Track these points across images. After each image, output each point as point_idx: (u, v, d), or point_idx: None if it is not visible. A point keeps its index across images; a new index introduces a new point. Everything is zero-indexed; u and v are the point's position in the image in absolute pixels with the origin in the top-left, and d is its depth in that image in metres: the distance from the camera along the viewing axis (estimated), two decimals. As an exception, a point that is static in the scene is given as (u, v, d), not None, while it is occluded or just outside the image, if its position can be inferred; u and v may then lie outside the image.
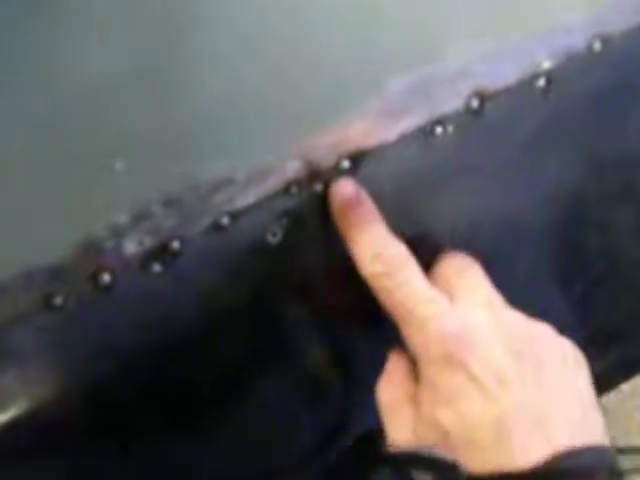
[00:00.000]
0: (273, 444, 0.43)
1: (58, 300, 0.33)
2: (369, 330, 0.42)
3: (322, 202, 0.36)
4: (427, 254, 0.41)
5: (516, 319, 0.36)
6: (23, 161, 0.32)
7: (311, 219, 0.36)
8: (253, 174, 0.34)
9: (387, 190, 0.37)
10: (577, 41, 0.38)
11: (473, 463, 0.33)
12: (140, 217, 0.33)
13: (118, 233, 0.33)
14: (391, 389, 0.37)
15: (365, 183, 0.36)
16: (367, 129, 0.36)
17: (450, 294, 0.36)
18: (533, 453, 0.33)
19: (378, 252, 0.36)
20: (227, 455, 0.42)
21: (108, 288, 0.33)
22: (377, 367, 0.45)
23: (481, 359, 0.34)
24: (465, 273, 0.37)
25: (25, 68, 0.32)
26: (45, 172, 0.32)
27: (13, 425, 0.35)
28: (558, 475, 0.32)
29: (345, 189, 0.36)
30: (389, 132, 0.36)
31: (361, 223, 0.36)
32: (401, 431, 0.36)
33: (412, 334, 0.35)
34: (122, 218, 0.33)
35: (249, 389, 0.40)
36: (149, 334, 0.35)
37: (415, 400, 0.36)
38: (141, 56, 0.33)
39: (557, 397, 0.34)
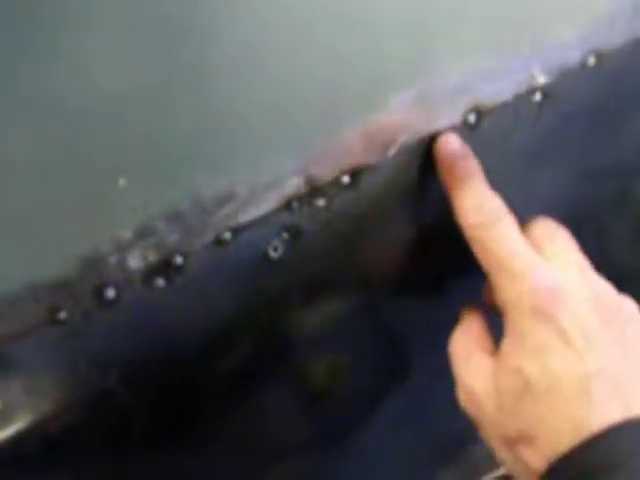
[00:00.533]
0: (281, 456, 0.44)
1: (63, 314, 0.33)
2: (369, 340, 0.42)
3: (323, 216, 0.36)
4: (422, 264, 0.42)
5: (606, 286, 0.37)
6: (28, 176, 0.32)
7: (312, 234, 0.36)
8: (255, 190, 0.34)
9: (386, 205, 0.37)
10: (572, 57, 0.39)
11: (551, 414, 0.34)
12: (144, 232, 0.33)
13: (122, 248, 0.33)
14: (467, 339, 0.38)
15: (364, 198, 0.37)
16: (366, 144, 0.36)
17: (542, 255, 0.37)
18: (609, 415, 0.33)
19: (479, 204, 0.37)
20: (233, 464, 0.43)
21: (112, 302, 0.34)
22: (379, 372, 0.45)
23: (571, 315, 0.35)
24: (557, 237, 0.38)
25: (28, 83, 0.33)
26: (49, 188, 0.32)
27: (19, 437, 0.35)
28: (627, 440, 0.33)
29: (451, 143, 0.37)
30: (388, 147, 0.37)
31: (464, 176, 0.37)
32: (478, 379, 0.37)
33: (504, 285, 0.36)
34: (126, 233, 0.33)
35: (253, 401, 0.40)
36: (153, 348, 0.36)
37: (492, 351, 0.37)
38: (142, 74, 0.34)
39: (637, 368, 0.35)
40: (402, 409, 0.48)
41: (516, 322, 0.36)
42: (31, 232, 0.33)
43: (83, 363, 0.35)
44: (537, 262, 0.36)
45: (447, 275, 0.43)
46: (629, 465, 0.32)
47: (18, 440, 0.35)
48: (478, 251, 0.37)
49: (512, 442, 0.36)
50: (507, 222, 0.37)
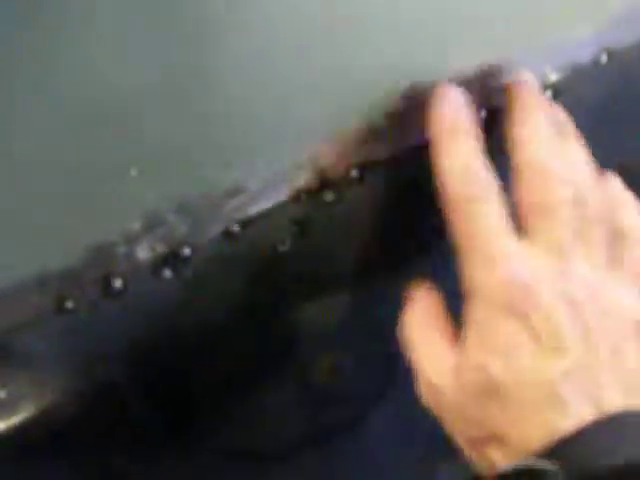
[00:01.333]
0: (280, 452, 0.44)
1: (70, 304, 0.33)
2: (372, 336, 0.42)
3: (331, 210, 0.36)
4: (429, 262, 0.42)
5: (584, 277, 0.34)
6: (38, 166, 0.32)
7: (320, 227, 0.36)
8: (264, 183, 0.34)
9: (395, 200, 0.37)
10: (584, 54, 0.39)
11: (521, 415, 0.32)
12: (152, 224, 0.33)
13: (131, 239, 0.33)
14: (425, 324, 0.36)
15: (373, 193, 0.37)
16: (376, 140, 0.36)
17: (526, 234, 0.34)
18: (580, 415, 0.32)
19: (465, 169, 0.34)
20: (234, 454, 0.43)
21: (119, 293, 0.34)
22: (386, 370, 0.45)
23: (542, 313, 0.33)
24: (546, 211, 0.34)
25: (40, 76, 0.32)
26: (60, 178, 0.32)
27: (23, 427, 0.35)
28: (596, 439, 0.31)
29: (448, 92, 0.34)
30: (398, 142, 0.37)
31: (455, 129, 0.34)
32: (442, 375, 0.34)
33: (472, 270, 0.33)
34: (135, 224, 0.33)
35: (254, 396, 0.41)
36: (158, 339, 0.36)
37: (455, 341, 0.34)
38: (154, 66, 0.34)
39: (608, 366, 0.33)
40: (401, 406, 0.48)
41: (483, 313, 0.33)
42: (40, 221, 0.32)
43: (89, 353, 0.35)
44: (513, 252, 0.33)
45: (451, 274, 0.43)
46: (600, 465, 0.31)
47: (22, 430, 0.35)
48: (454, 226, 0.34)
49: (480, 442, 0.34)
50: (494, 198, 0.34)
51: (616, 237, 0.36)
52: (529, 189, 0.34)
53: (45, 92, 0.32)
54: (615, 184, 0.38)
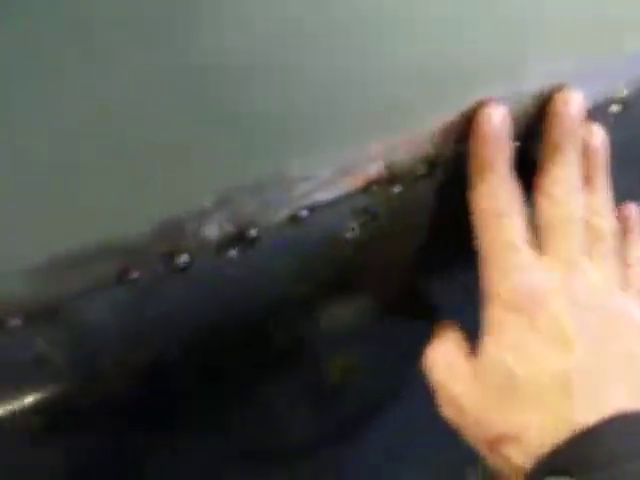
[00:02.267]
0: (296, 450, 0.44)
1: (134, 275, 0.33)
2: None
3: (398, 203, 0.36)
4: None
5: (589, 288, 0.37)
6: (108, 140, 0.32)
7: (388, 218, 0.37)
8: (336, 171, 0.34)
9: (459, 196, 0.37)
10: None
11: (535, 410, 0.35)
12: (223, 203, 0.33)
13: (200, 216, 0.33)
14: (446, 348, 0.39)
15: (439, 188, 0.37)
16: (446, 135, 0.36)
17: (541, 250, 0.37)
18: (592, 412, 0.34)
19: (494, 191, 0.36)
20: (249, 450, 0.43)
21: (184, 269, 0.34)
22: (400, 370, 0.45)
23: (547, 315, 0.36)
24: (559, 232, 0.38)
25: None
26: (138, 153, 0.32)
27: (72, 394, 0.35)
28: (615, 435, 0.33)
29: (492, 119, 0.36)
30: (465, 139, 0.37)
31: (490, 160, 0.36)
32: (459, 382, 0.37)
33: (489, 277, 0.37)
34: (206, 203, 0.33)
35: (315, 373, 0.41)
36: (218, 317, 0.36)
37: (471, 354, 0.38)
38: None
39: (613, 367, 0.36)
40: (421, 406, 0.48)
41: (497, 316, 0.37)
42: (111, 192, 0.32)
43: (148, 325, 0.35)
44: (528, 263, 0.37)
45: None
46: (612, 463, 0.32)
47: (70, 397, 0.35)
48: (480, 237, 0.37)
49: (497, 441, 0.36)
50: (516, 215, 0.37)
51: (625, 263, 0.40)
52: (545, 211, 0.38)
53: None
54: (632, 222, 0.42)
